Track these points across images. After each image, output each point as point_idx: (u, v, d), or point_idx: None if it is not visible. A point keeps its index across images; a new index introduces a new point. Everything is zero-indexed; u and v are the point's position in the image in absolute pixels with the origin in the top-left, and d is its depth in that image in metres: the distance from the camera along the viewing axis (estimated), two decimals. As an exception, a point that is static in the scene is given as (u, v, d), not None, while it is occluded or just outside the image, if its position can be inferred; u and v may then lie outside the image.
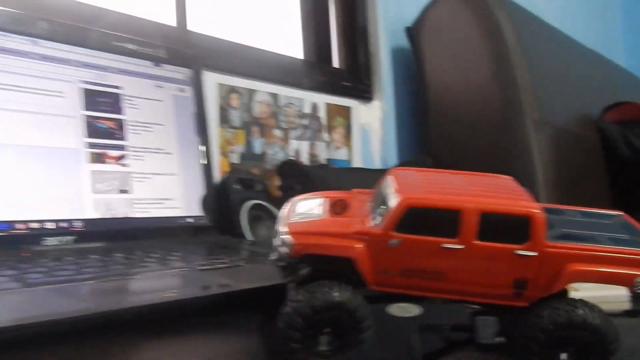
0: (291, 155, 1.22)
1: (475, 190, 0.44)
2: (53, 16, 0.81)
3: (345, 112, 1.37)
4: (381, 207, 0.43)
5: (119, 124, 0.83)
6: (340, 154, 1.35)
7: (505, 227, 0.41)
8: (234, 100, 1.11)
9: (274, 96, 1.19)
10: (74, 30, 0.81)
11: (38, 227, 0.71)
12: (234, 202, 0.95)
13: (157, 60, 0.90)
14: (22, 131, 0.73)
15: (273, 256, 0.46)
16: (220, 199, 0.94)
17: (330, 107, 1.32)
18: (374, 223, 0.43)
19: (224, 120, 1.08)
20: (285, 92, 1.21)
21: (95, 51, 0.82)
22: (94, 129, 0.80)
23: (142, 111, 0.87)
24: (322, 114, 1.30)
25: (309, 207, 0.48)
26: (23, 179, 0.71)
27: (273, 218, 0.95)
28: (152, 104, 0.88)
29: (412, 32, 1.46)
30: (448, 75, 1.41)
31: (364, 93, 1.43)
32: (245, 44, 1.20)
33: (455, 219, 0.41)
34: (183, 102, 0.93)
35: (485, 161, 1.31)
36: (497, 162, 1.30)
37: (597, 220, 0.50)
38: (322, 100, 1.30)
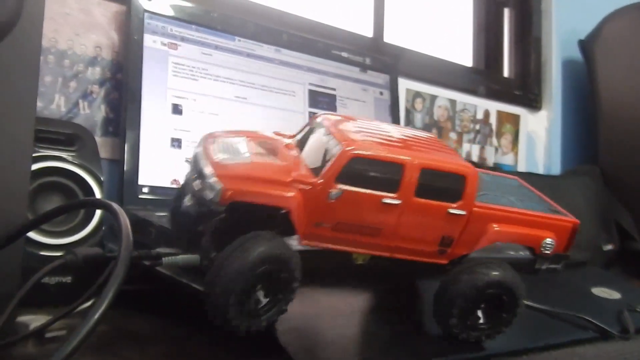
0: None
1: (413, 144, 0.43)
2: (291, 29, 0.99)
3: (514, 119, 1.44)
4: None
5: (334, 119, 0.99)
6: (507, 159, 1.42)
7: (440, 185, 0.41)
8: (418, 104, 1.23)
9: (452, 102, 1.29)
10: (304, 41, 0.97)
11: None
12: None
13: (363, 67, 1.05)
14: (267, 123, 0.90)
15: (188, 201, 0.40)
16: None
17: (501, 114, 1.40)
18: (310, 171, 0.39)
19: (409, 121, 1.20)
20: (462, 99, 1.31)
21: (319, 58, 0.98)
22: (315, 123, 0.96)
23: (351, 110, 1.01)
24: (493, 120, 1.38)
25: (232, 146, 0.43)
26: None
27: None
28: (358, 105, 1.03)
29: (586, 44, 1.48)
30: (623, 86, 1.41)
31: (533, 102, 1.48)
32: (427, 52, 1.32)
33: (397, 174, 0.40)
34: (381, 104, 1.07)
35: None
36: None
37: (500, 182, 0.52)
38: (494, 107, 1.38)
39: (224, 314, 0.37)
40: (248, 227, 0.37)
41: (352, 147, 0.39)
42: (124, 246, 0.31)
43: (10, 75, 0.40)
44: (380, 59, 1.08)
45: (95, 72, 0.79)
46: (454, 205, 0.41)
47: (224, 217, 0.38)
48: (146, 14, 0.79)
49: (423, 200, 0.41)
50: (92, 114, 0.78)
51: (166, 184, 0.75)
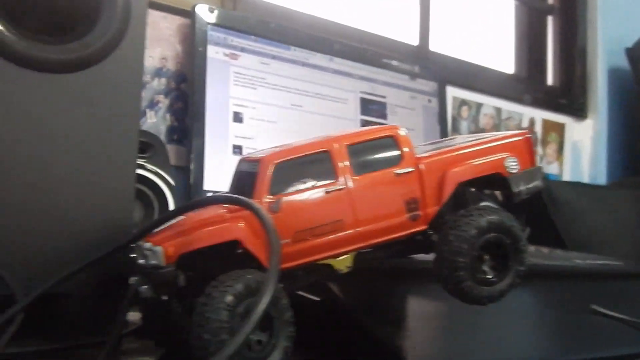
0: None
1: (321, 136, 0.41)
2: (343, 38, 1.01)
3: (559, 128, 1.43)
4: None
5: (384, 127, 1.01)
6: (552, 169, 1.41)
7: (374, 154, 0.40)
8: (464, 112, 1.23)
9: (498, 110, 1.30)
10: (355, 50, 1.00)
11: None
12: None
13: (412, 75, 1.06)
14: (321, 131, 0.92)
15: (137, 282, 0.37)
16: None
17: (546, 123, 1.39)
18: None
19: (455, 129, 1.21)
20: (507, 107, 1.31)
21: (369, 67, 1.00)
22: (367, 131, 0.98)
23: (400, 117, 1.03)
24: (538, 128, 1.38)
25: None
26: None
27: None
28: (407, 112, 1.05)
29: (633, 52, 1.47)
30: (672, 95, 1.40)
31: (578, 111, 1.47)
32: (472, 61, 1.33)
33: (326, 161, 0.39)
34: (429, 112, 1.08)
35: None
36: None
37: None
38: (539, 115, 1.38)
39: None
40: (209, 277, 0.35)
41: (270, 155, 0.38)
42: (274, 240, 0.33)
43: (116, 87, 0.43)
44: (428, 67, 1.10)
45: (161, 83, 0.82)
46: (398, 166, 0.40)
47: (179, 276, 0.36)
48: (209, 26, 0.82)
49: (365, 174, 0.40)
50: (158, 122, 0.82)
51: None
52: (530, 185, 0.44)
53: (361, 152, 0.40)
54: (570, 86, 1.49)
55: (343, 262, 0.40)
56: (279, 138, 0.87)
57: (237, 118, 0.83)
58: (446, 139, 0.52)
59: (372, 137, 0.41)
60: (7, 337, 0.34)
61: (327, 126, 0.93)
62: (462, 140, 0.46)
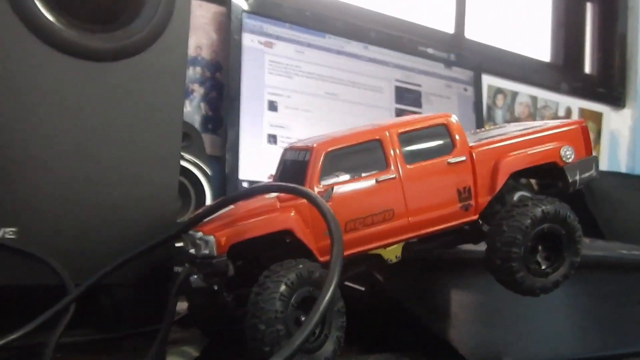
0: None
1: (369, 124, 0.41)
2: (378, 26, 0.99)
3: (597, 117, 1.39)
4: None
5: (419, 116, 0.99)
6: (588, 158, 1.38)
7: (425, 142, 0.40)
8: (500, 101, 1.21)
9: (533, 99, 1.27)
10: (391, 38, 0.98)
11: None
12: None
13: (448, 63, 1.04)
14: (355, 120, 0.91)
15: (187, 272, 0.37)
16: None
17: (583, 112, 1.36)
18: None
19: (490, 118, 1.19)
20: (543, 95, 1.28)
21: (405, 55, 0.99)
22: (401, 120, 0.96)
23: (436, 106, 1.01)
24: (574, 117, 1.34)
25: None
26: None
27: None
28: (442, 101, 1.03)
29: (675, 39, 1.42)
30: None
31: (616, 100, 1.43)
32: (505, 48, 1.30)
33: (378, 150, 0.38)
34: (465, 100, 1.06)
35: None
36: None
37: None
38: (576, 104, 1.34)
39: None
40: (259, 268, 0.35)
41: (321, 143, 0.38)
42: (334, 228, 0.32)
43: (160, 76, 0.42)
44: (464, 55, 1.07)
45: (196, 72, 0.82)
46: (451, 155, 0.40)
47: (229, 265, 0.35)
48: (244, 14, 0.81)
49: (417, 164, 0.39)
50: (193, 112, 0.81)
51: (263, 178, 0.78)
52: (585, 175, 0.43)
53: (412, 140, 0.39)
54: (609, 75, 1.45)
55: (393, 252, 0.40)
56: (314, 127, 0.86)
57: (272, 107, 0.82)
58: (495, 126, 0.51)
59: (423, 125, 0.40)
60: (61, 327, 0.34)
61: (361, 115, 0.91)
62: (514, 129, 0.45)
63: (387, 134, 0.39)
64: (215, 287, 0.36)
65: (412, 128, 0.40)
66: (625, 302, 0.55)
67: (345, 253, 0.36)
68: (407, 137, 0.39)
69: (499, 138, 0.42)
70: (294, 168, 0.39)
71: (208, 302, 0.38)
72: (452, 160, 0.40)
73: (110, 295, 0.40)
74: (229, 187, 0.74)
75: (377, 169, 0.38)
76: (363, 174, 0.38)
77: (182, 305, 0.44)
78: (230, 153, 0.76)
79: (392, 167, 0.38)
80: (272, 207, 0.36)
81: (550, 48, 1.48)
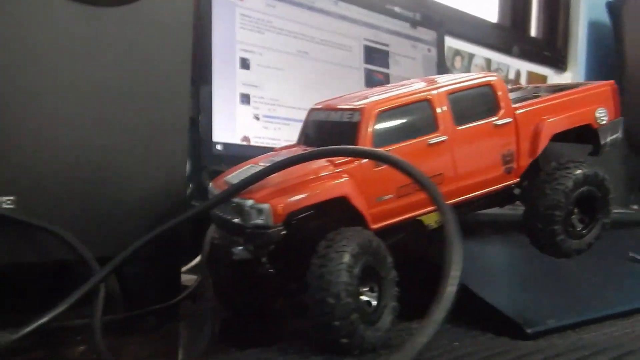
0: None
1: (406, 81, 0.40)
2: (346, -19, 0.95)
3: (542, 80, 1.43)
4: None
5: (387, 77, 0.96)
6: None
7: (473, 103, 0.39)
8: (457, 63, 1.21)
9: (488, 61, 1.28)
10: (360, -6, 0.94)
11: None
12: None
13: (414, 23, 1.02)
14: (325, 79, 0.87)
15: (236, 251, 0.34)
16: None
17: (531, 75, 1.39)
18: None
19: (448, 80, 1.19)
20: (496, 58, 1.30)
21: (374, 12, 0.95)
22: (370, 81, 0.94)
23: (402, 67, 0.99)
24: (523, 80, 1.38)
25: (244, 176, 0.37)
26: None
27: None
28: (408, 61, 1.01)
29: (614, 7, 1.47)
30: (650, 50, 1.42)
31: (559, 63, 1.48)
32: (464, 9, 1.29)
33: (428, 111, 0.37)
34: (429, 61, 1.05)
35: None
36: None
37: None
38: (525, 67, 1.37)
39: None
40: (312, 237, 0.33)
41: (372, 103, 0.36)
42: (441, 203, 0.30)
43: (164, 27, 0.37)
44: (428, 15, 1.05)
45: (160, 22, 0.74)
46: (497, 116, 0.39)
47: (284, 235, 0.33)
48: (213, -38, 0.74)
49: (466, 126, 0.38)
50: (158, 66, 0.75)
51: (236, 141, 0.73)
52: (614, 137, 0.43)
53: (460, 101, 0.38)
54: (553, 38, 1.49)
55: (432, 217, 0.38)
56: (286, 87, 0.82)
57: (244, 64, 0.77)
58: (526, 86, 0.50)
59: (471, 84, 0.39)
60: (100, 309, 0.30)
61: (332, 75, 0.88)
62: (549, 89, 0.44)
63: (435, 93, 0.37)
64: (264, 259, 0.33)
65: (459, 88, 0.38)
66: (615, 257, 0.57)
67: (400, 218, 0.36)
68: (455, 98, 0.38)
69: (539, 99, 0.41)
70: (335, 129, 0.36)
71: (238, 275, 0.36)
72: (499, 122, 0.39)
73: (130, 273, 0.36)
74: (203, 150, 0.69)
75: (427, 131, 0.37)
76: (414, 136, 0.36)
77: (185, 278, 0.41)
78: (203, 114, 0.71)
79: (442, 129, 0.37)
80: (328, 172, 0.34)
81: (498, 9, 1.50)
